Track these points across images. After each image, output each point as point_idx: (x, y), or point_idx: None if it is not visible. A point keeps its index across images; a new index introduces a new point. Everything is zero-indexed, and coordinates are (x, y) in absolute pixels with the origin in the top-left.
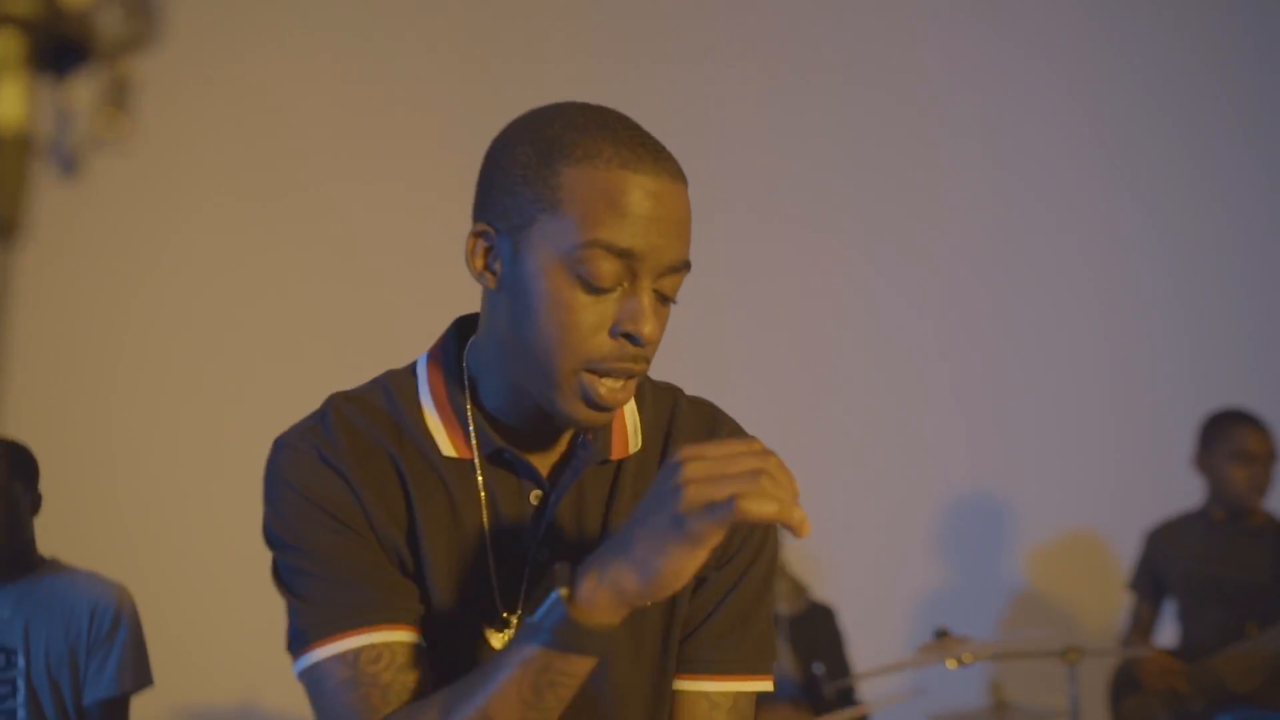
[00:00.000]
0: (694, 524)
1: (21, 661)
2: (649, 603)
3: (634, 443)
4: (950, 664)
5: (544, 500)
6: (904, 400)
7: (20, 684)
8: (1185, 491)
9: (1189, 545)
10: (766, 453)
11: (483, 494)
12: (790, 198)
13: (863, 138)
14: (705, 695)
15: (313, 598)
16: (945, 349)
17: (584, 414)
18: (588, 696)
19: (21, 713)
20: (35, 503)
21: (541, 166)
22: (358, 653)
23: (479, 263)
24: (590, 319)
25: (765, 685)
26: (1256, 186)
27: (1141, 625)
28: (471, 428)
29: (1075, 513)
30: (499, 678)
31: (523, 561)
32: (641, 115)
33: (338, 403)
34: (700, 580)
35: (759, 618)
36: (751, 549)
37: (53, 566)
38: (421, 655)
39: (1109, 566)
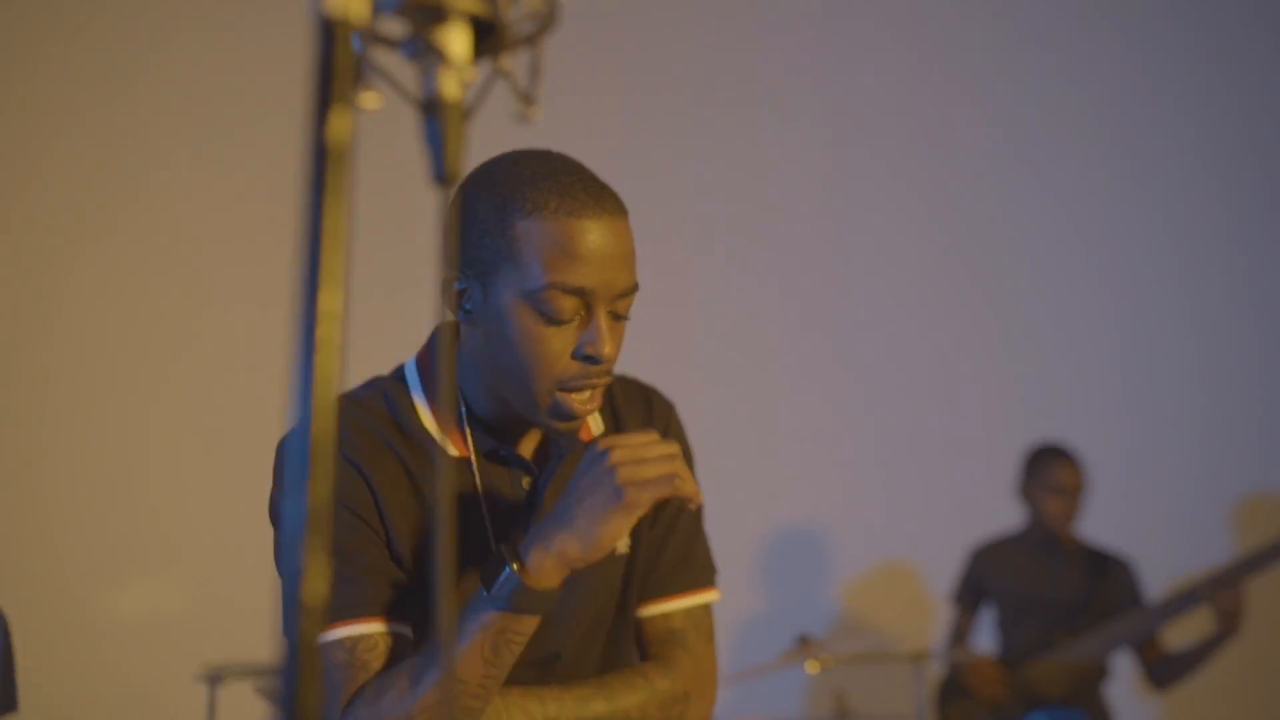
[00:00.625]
0: (632, 495)
1: None
2: (585, 565)
3: (596, 428)
4: (811, 667)
5: (534, 484)
6: (729, 433)
7: None
8: (988, 518)
9: (1010, 564)
10: (669, 443)
11: (480, 487)
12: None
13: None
14: (665, 615)
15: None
16: (780, 381)
17: (561, 425)
18: (549, 654)
19: None
20: None
21: (498, 220)
22: (357, 640)
23: (453, 304)
24: (555, 347)
25: (714, 596)
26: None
27: (960, 634)
28: (468, 430)
29: (888, 543)
30: (462, 642)
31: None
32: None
33: (345, 405)
34: (636, 537)
35: (698, 546)
36: (675, 503)
37: None
38: (408, 647)
39: (918, 591)
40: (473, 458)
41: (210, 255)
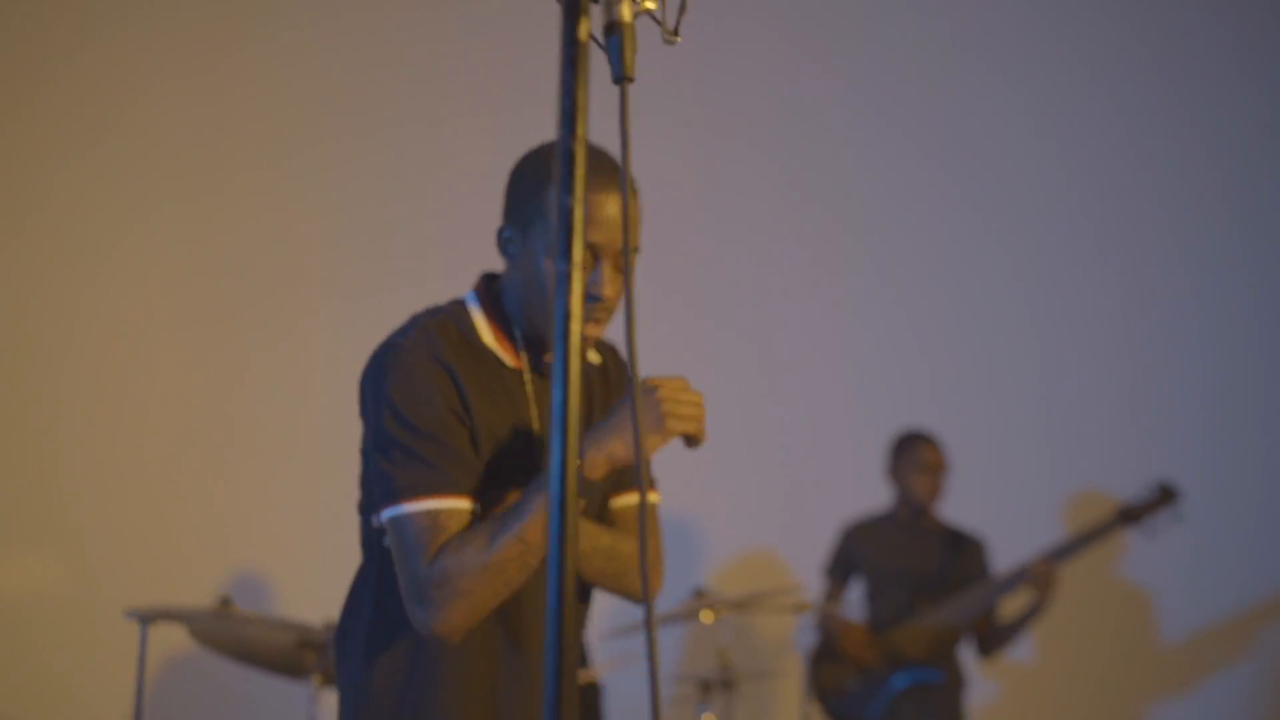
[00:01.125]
0: (670, 425)
1: None
2: (622, 467)
3: (594, 359)
4: (706, 617)
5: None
6: None
7: None
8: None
9: (877, 540)
10: (698, 392)
11: (531, 394)
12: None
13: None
14: (629, 506)
15: (411, 465)
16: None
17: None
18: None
19: None
20: None
21: (536, 188)
22: (438, 512)
23: (502, 248)
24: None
25: (657, 498)
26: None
27: (834, 602)
28: (522, 348)
29: (754, 531)
30: (530, 511)
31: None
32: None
33: (427, 321)
34: None
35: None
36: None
37: None
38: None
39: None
40: (524, 370)
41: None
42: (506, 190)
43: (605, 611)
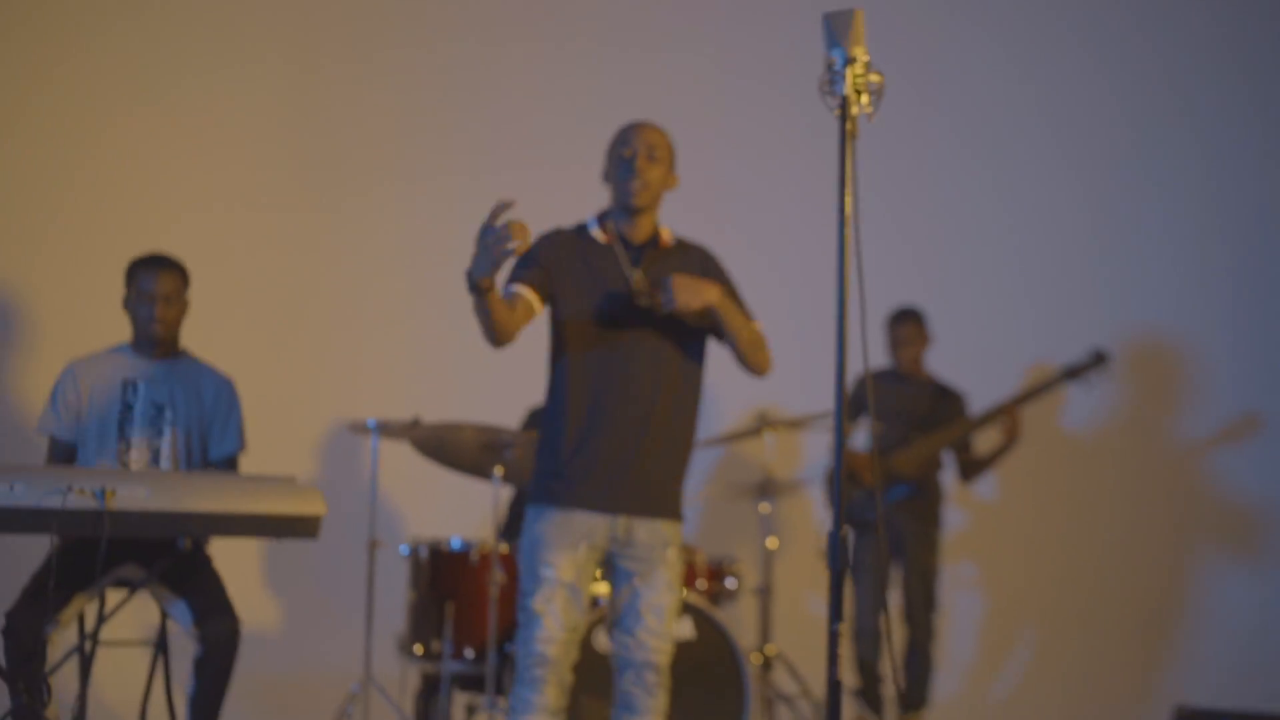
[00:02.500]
0: (706, 297)
1: (170, 414)
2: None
3: (670, 239)
4: (769, 433)
5: (636, 258)
6: None
7: (166, 430)
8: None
9: (882, 388)
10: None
11: (620, 257)
12: None
13: None
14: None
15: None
16: None
17: (630, 200)
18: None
19: (166, 449)
20: (187, 305)
21: (610, 152)
22: (518, 293)
23: (604, 176)
24: (622, 171)
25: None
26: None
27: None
28: (613, 234)
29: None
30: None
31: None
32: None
33: (558, 228)
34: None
35: (741, 299)
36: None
37: (187, 353)
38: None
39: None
40: (615, 244)
41: None
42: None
43: None
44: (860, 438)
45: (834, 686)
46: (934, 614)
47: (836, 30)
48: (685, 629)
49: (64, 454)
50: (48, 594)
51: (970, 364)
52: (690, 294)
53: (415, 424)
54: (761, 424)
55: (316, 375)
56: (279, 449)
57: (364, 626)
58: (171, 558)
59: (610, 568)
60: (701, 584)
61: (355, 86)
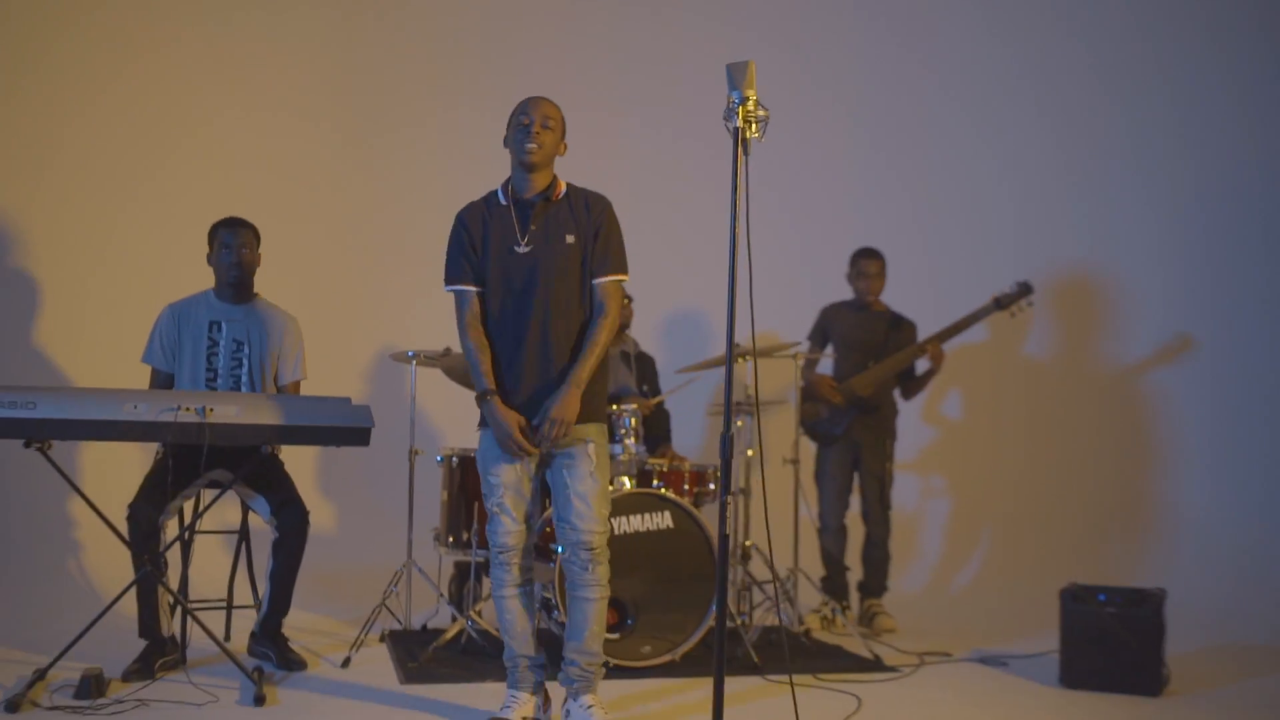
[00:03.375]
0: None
1: (247, 349)
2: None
3: (560, 195)
4: (739, 360)
5: (526, 214)
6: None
7: (244, 361)
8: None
9: (842, 318)
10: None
11: (514, 215)
12: None
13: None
14: (601, 285)
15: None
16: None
17: (526, 160)
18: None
19: (245, 378)
20: (259, 258)
21: (512, 113)
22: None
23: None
24: (520, 135)
25: (624, 278)
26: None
27: (813, 363)
28: (509, 196)
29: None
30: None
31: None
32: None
33: (471, 203)
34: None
35: (614, 247)
36: (605, 223)
37: (260, 297)
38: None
39: None
40: (510, 205)
41: None
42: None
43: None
44: (823, 364)
45: (723, 540)
46: (888, 512)
47: (735, 77)
48: (665, 520)
49: (163, 382)
50: (159, 490)
51: (932, 289)
52: (559, 432)
53: (446, 353)
54: (736, 353)
55: (366, 313)
56: (336, 374)
57: (406, 521)
58: (253, 463)
59: (546, 465)
60: (687, 487)
61: (397, 34)
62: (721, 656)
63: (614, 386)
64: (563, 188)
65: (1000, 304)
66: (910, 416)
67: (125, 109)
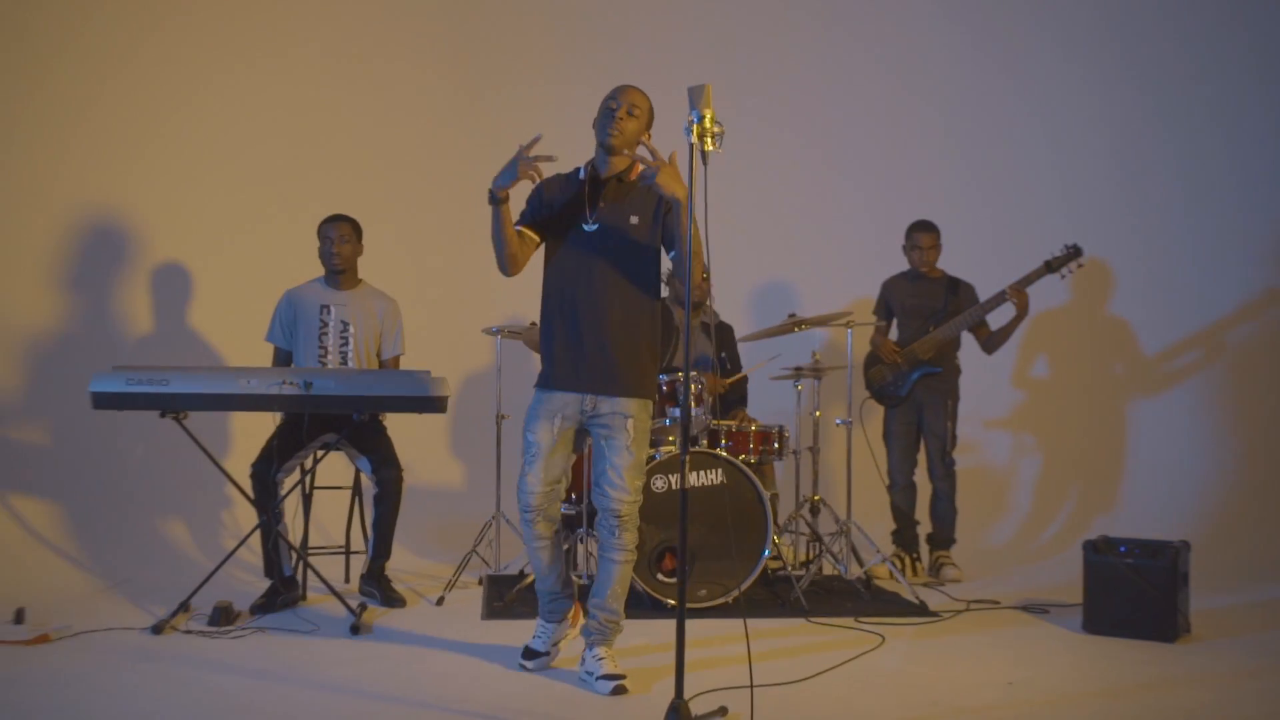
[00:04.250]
0: (677, 192)
1: (353, 329)
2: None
3: (632, 176)
4: (796, 329)
5: (598, 192)
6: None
7: (350, 340)
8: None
9: (901, 288)
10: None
11: (587, 193)
12: None
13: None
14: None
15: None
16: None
17: (608, 142)
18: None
19: (350, 354)
20: (360, 248)
21: (605, 98)
22: (522, 231)
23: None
24: (605, 119)
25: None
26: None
27: (882, 331)
28: (589, 173)
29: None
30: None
31: (594, 209)
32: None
33: (558, 173)
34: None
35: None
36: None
37: (364, 283)
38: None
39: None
40: (586, 182)
41: None
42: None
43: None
44: (887, 330)
45: (683, 494)
46: (951, 469)
47: (694, 98)
48: (718, 476)
49: (283, 358)
50: (277, 451)
51: (985, 254)
52: (668, 178)
53: (531, 326)
54: (792, 322)
55: (458, 292)
56: (432, 348)
57: (494, 477)
58: (356, 427)
59: (586, 434)
60: (752, 446)
61: (512, 16)
62: (683, 599)
63: (692, 357)
64: (640, 170)
65: (1051, 267)
66: (1000, 379)
67: (267, 111)
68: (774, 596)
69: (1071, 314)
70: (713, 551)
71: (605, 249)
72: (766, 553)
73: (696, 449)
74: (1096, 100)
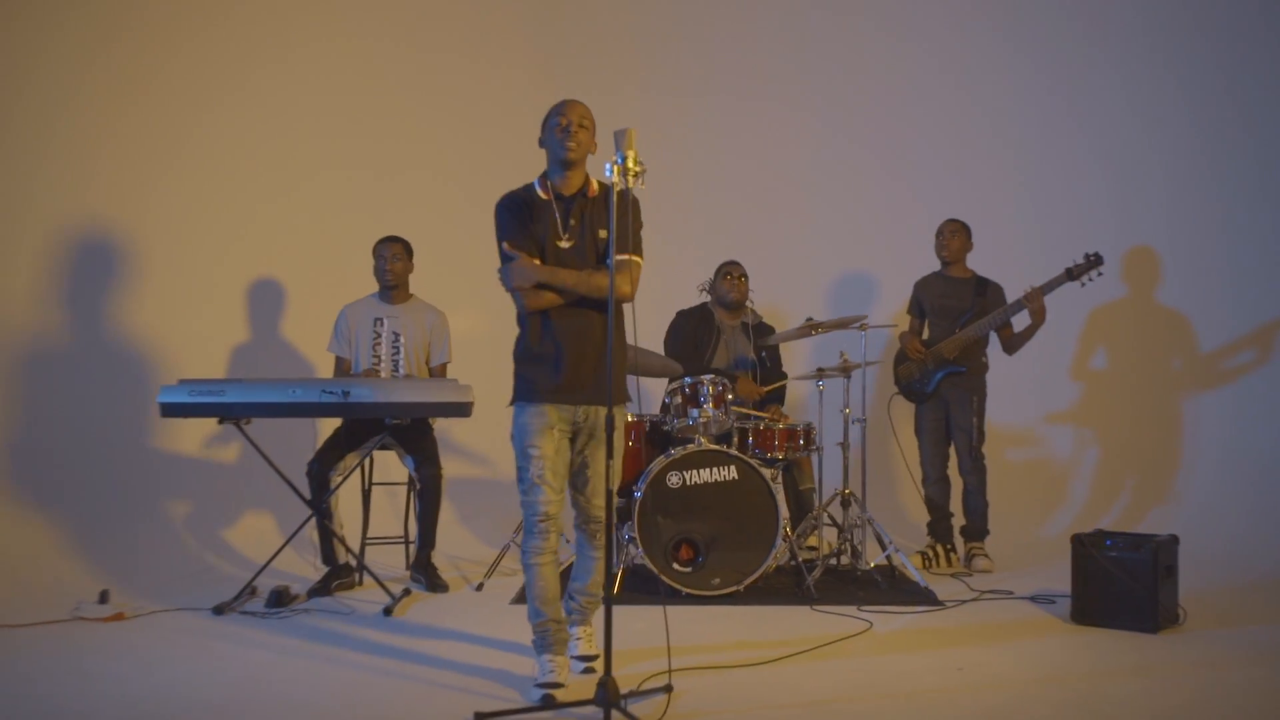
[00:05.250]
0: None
1: (403, 339)
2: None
3: (596, 191)
4: (817, 331)
5: (568, 209)
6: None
7: (401, 350)
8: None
9: (932, 287)
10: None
11: (555, 210)
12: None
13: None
14: (623, 260)
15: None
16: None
17: (564, 157)
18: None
19: (401, 363)
20: (411, 265)
21: (547, 115)
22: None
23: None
24: (557, 134)
25: (639, 260)
26: None
27: (914, 330)
28: (550, 191)
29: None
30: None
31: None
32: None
33: (511, 192)
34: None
35: (631, 233)
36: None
37: (414, 297)
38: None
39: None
40: (551, 199)
41: None
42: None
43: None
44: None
45: (608, 494)
46: (979, 463)
47: (618, 141)
48: (731, 472)
49: (343, 368)
50: (331, 451)
51: (1011, 256)
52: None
53: None
54: (809, 326)
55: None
56: (472, 357)
57: None
58: (403, 429)
59: (571, 443)
60: (777, 443)
61: (590, 28)
62: (610, 588)
63: (731, 358)
64: (595, 185)
65: (1072, 274)
66: (1059, 371)
67: (349, 139)
68: (790, 584)
69: (1129, 307)
70: (726, 543)
71: (583, 264)
72: (777, 544)
73: (710, 447)
74: (1161, 93)
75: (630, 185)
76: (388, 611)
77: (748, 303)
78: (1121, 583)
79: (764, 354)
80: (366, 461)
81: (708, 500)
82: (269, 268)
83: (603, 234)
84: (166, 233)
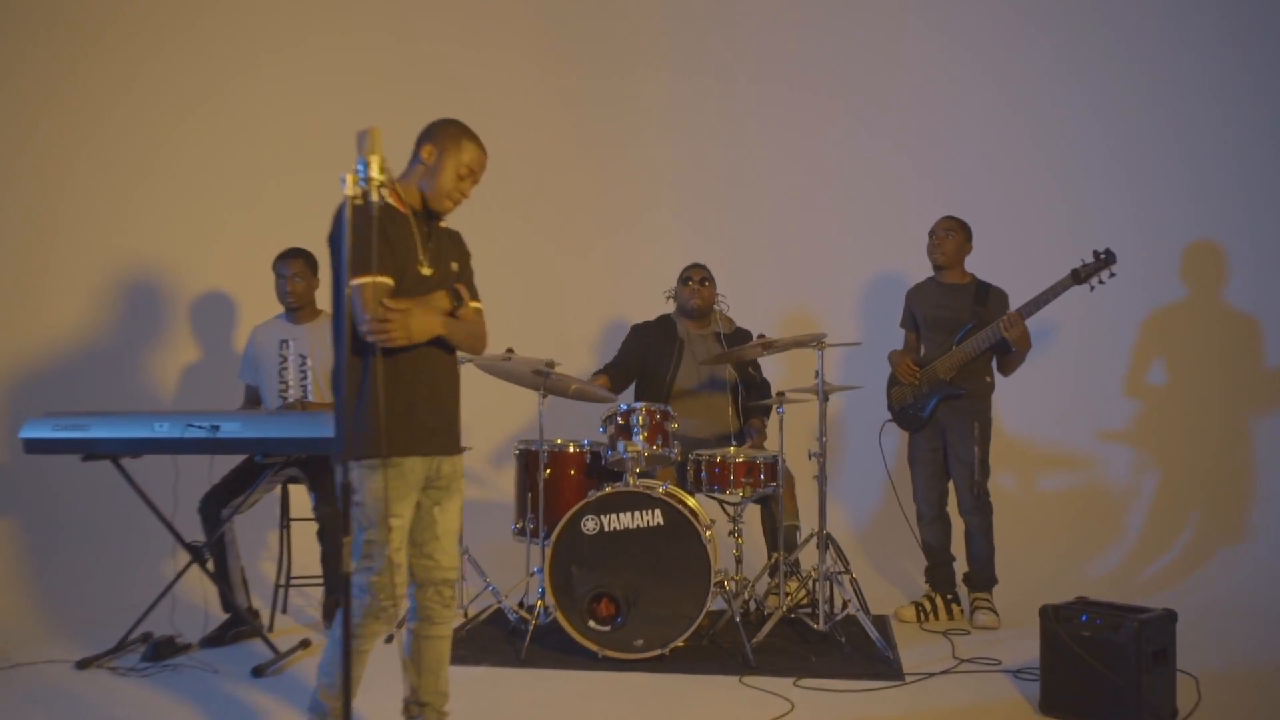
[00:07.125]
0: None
1: (310, 362)
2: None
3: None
4: (763, 352)
5: (429, 230)
6: None
7: (308, 373)
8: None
9: (926, 297)
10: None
11: (414, 225)
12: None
13: None
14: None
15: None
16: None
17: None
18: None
19: (310, 389)
20: (316, 281)
21: (450, 139)
22: (378, 284)
23: (415, 154)
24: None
25: (479, 305)
26: None
27: (909, 346)
28: (411, 208)
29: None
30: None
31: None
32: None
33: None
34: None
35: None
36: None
37: (324, 313)
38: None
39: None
40: (411, 215)
41: None
42: (433, 128)
43: None
44: (904, 345)
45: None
46: (983, 500)
47: (361, 144)
48: (656, 517)
49: (253, 395)
50: (225, 488)
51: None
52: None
53: (507, 356)
54: (760, 343)
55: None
56: None
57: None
58: (305, 463)
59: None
60: (733, 478)
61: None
62: (347, 641)
63: (700, 378)
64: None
65: (1079, 277)
66: (1112, 383)
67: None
68: (733, 644)
69: (1191, 310)
70: (650, 598)
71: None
72: (707, 601)
73: (632, 489)
74: (1231, 75)
75: (375, 198)
76: (257, 672)
77: (716, 308)
78: (1091, 671)
79: (749, 365)
80: (281, 495)
81: (630, 548)
82: (250, 277)
83: (454, 266)
84: (141, 239)
